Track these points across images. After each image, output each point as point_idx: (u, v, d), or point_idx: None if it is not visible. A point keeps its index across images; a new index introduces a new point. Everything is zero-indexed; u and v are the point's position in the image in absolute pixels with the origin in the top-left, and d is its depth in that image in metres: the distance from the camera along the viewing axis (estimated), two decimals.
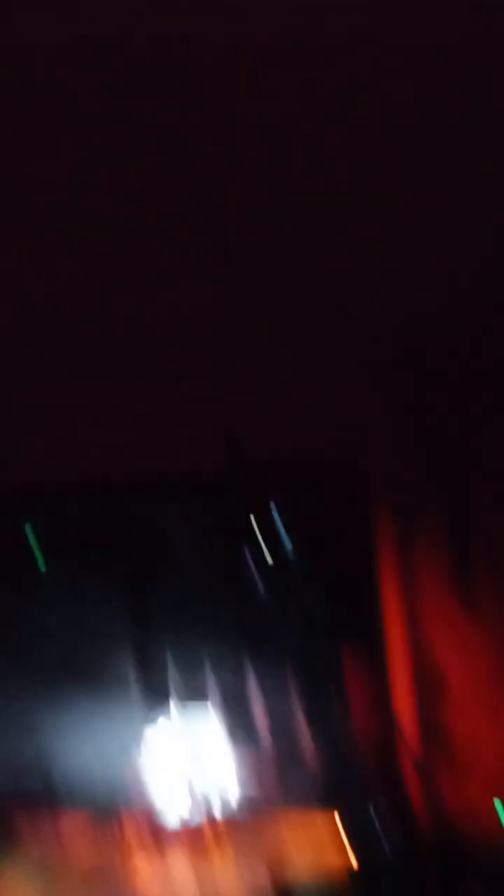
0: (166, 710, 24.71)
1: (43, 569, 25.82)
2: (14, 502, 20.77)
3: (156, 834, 22.41)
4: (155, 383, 17.90)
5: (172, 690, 24.74)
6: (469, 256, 12.01)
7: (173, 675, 24.86)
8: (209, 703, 24.43)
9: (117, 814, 22.04)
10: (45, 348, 15.93)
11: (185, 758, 23.25)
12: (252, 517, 23.39)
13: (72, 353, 15.88)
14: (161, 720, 24.48)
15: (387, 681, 22.88)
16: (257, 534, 25.36)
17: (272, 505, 22.97)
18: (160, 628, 27.62)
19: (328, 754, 24.34)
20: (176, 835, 22.11)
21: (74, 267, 13.28)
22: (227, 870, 21.31)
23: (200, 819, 21.80)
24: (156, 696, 25.04)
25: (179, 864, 21.44)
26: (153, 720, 24.50)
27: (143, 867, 21.50)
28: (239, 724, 24.67)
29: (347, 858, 21.61)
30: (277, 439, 19.63)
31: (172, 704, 24.69)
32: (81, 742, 24.60)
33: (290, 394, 18.50)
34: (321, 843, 22.74)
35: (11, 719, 23.06)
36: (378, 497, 22.90)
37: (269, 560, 25.46)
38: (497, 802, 18.46)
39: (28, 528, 25.30)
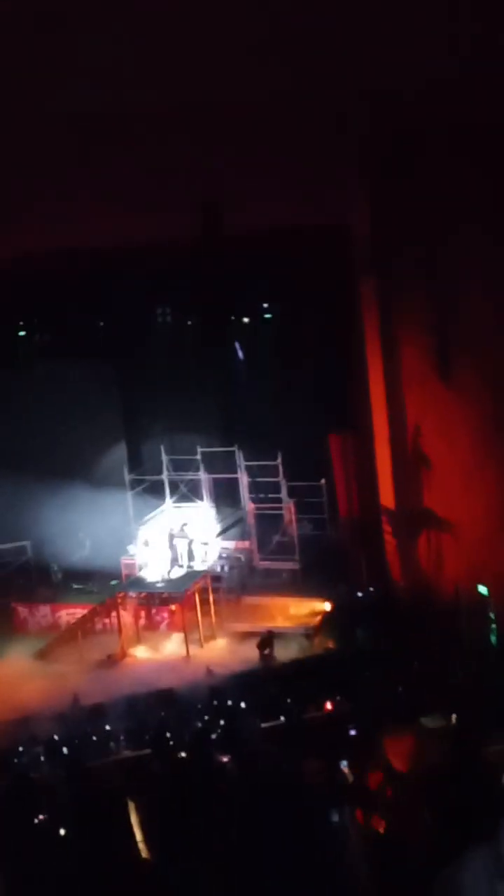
0: (160, 500, 25.13)
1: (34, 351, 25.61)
2: (11, 270, 20.48)
3: (152, 614, 23.08)
4: (141, 156, 17.42)
5: (164, 485, 25.14)
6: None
7: (165, 469, 25.20)
8: (201, 494, 24.84)
9: (117, 598, 22.71)
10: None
11: (179, 544, 23.76)
12: (234, 287, 22.95)
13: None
14: (155, 510, 24.94)
15: (372, 461, 23.15)
16: (240, 309, 24.99)
17: (255, 272, 22.41)
18: (147, 415, 27.58)
19: (315, 538, 24.82)
20: (171, 613, 22.76)
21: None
22: (219, 642, 22.09)
23: (193, 597, 22.45)
24: (149, 491, 25.41)
25: (175, 641, 22.20)
26: (147, 513, 24.97)
27: (142, 647, 22.30)
28: (229, 513, 25.13)
29: (326, 611, 22.40)
30: (260, 206, 19.16)
31: (164, 499, 25.12)
32: (79, 530, 25.02)
33: (271, 160, 17.97)
34: (306, 609, 23.34)
35: (10, 507, 23.48)
36: (362, 264, 22.40)
37: (252, 341, 25.28)
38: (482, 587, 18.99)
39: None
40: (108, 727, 15.23)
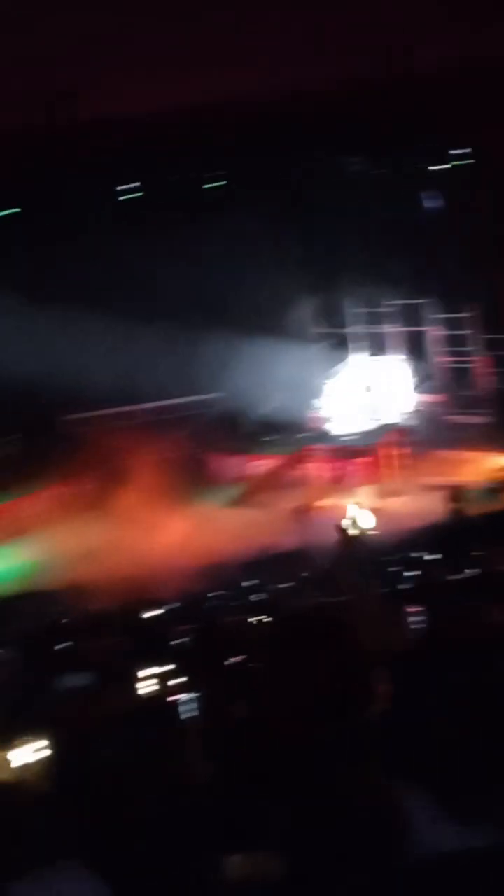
0: (348, 358, 24.96)
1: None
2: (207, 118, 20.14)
3: (340, 467, 23.17)
4: None
5: (355, 338, 24.91)
6: None
7: (355, 322, 24.93)
8: (390, 352, 24.52)
9: (305, 450, 22.89)
10: None
11: (368, 397, 23.64)
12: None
13: None
14: (344, 367, 24.81)
15: None
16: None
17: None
18: (337, 267, 27.24)
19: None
20: (359, 466, 22.81)
21: None
22: (407, 496, 22.05)
23: (382, 450, 22.39)
24: (339, 344, 25.26)
25: (363, 494, 22.26)
26: (336, 367, 24.86)
27: (330, 502, 22.46)
28: (420, 367, 24.77)
29: None
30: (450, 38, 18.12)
31: (354, 352, 24.91)
32: (268, 383, 25.18)
33: None
34: (497, 463, 22.99)
35: (202, 360, 23.75)
36: None
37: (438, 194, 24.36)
38: None
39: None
40: (304, 574, 15.45)
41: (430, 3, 17.40)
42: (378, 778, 2.65)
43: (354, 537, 18.72)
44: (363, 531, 19.17)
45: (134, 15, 17.87)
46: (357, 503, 23.17)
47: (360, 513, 22.43)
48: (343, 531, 19.31)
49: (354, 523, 21.39)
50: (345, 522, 20.21)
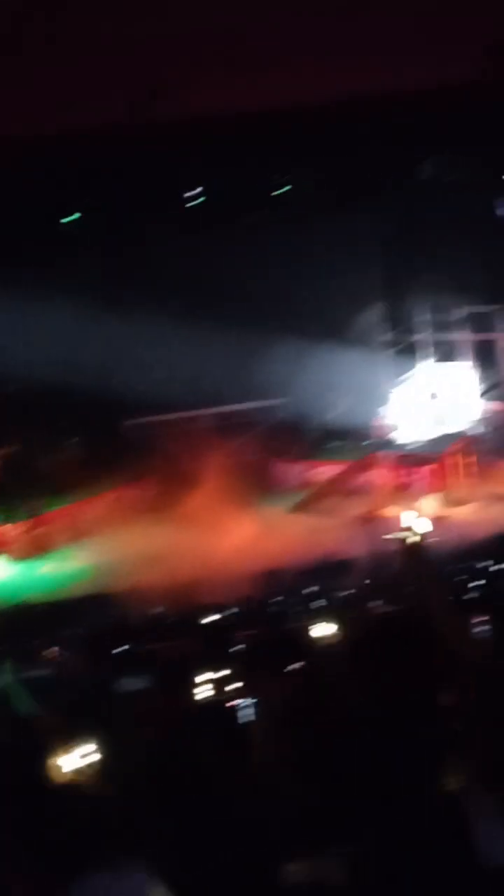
0: (415, 364, 24.75)
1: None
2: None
3: (406, 475, 22.96)
4: None
5: (422, 344, 24.69)
6: None
7: (423, 328, 24.70)
8: (458, 359, 24.27)
9: (371, 457, 22.71)
10: None
11: (436, 405, 23.41)
12: None
13: None
14: (411, 374, 24.60)
15: None
16: None
17: None
18: (408, 272, 26.99)
19: None
20: (426, 474, 22.58)
21: None
22: (474, 505, 21.79)
23: (450, 458, 22.12)
24: (406, 351, 25.06)
25: (429, 502, 22.04)
26: (403, 373, 24.67)
27: (395, 508, 22.26)
28: (490, 375, 24.49)
29: None
30: None
31: (422, 359, 24.69)
32: (334, 389, 25.04)
33: None
34: None
35: (268, 365, 23.69)
36: None
37: None
38: None
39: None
40: (366, 581, 15.32)
41: None
42: (450, 787, 2.57)
43: (414, 546, 18.49)
44: (422, 539, 18.95)
45: (214, 17, 17.87)
46: (415, 511, 22.94)
47: (417, 521, 22.16)
48: (402, 540, 19.10)
49: (412, 531, 21.15)
50: (402, 531, 20.01)
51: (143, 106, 22.68)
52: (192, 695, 7.20)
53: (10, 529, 22.83)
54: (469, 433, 23.95)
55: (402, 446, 23.53)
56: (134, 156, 23.81)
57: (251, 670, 7.62)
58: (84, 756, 4.97)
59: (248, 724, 4.89)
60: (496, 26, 17.29)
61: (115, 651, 10.99)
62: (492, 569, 15.02)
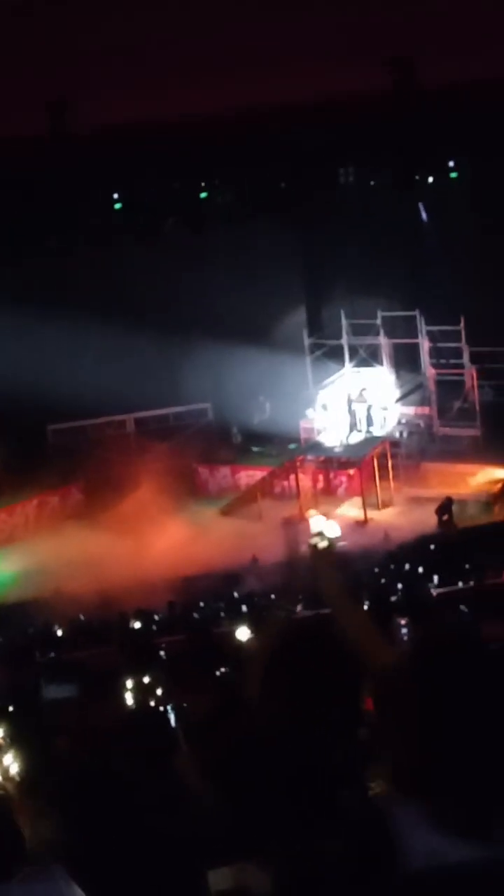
0: (339, 365, 24.94)
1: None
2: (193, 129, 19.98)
3: (330, 478, 23.16)
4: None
5: (345, 345, 24.90)
6: None
7: (344, 333, 24.91)
8: (381, 358, 24.52)
9: (296, 461, 22.85)
10: None
11: (358, 409, 23.62)
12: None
13: None
14: (333, 379, 24.78)
15: None
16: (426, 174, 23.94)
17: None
18: (328, 278, 27.18)
19: (497, 404, 24.23)
20: (349, 477, 22.79)
21: None
22: (396, 508, 22.05)
23: (372, 462, 22.35)
24: (328, 355, 25.22)
25: (353, 505, 22.27)
26: (326, 378, 24.84)
27: (319, 509, 22.43)
28: (409, 379, 24.77)
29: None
30: (455, 60, 18.26)
31: (344, 363, 24.89)
32: (259, 393, 25.11)
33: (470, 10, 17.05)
34: (486, 476, 22.99)
35: (192, 370, 23.68)
36: None
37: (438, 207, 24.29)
38: None
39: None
40: (287, 585, 15.40)
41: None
42: (370, 790, 2.66)
43: (327, 549, 18.65)
44: (332, 543, 19.14)
45: (138, 30, 17.95)
46: (324, 516, 23.00)
47: (326, 525, 22.27)
48: (313, 545, 19.24)
49: (322, 535, 21.22)
50: (312, 535, 20.14)
51: (56, 117, 22.73)
52: (121, 700, 7.24)
53: None
54: (391, 437, 24.20)
55: (325, 450, 23.70)
56: (51, 166, 23.74)
57: (179, 675, 7.69)
58: (6, 764, 4.99)
59: (171, 730, 4.95)
60: (401, 40, 17.66)
61: (41, 658, 10.96)
62: (413, 571, 15.23)
